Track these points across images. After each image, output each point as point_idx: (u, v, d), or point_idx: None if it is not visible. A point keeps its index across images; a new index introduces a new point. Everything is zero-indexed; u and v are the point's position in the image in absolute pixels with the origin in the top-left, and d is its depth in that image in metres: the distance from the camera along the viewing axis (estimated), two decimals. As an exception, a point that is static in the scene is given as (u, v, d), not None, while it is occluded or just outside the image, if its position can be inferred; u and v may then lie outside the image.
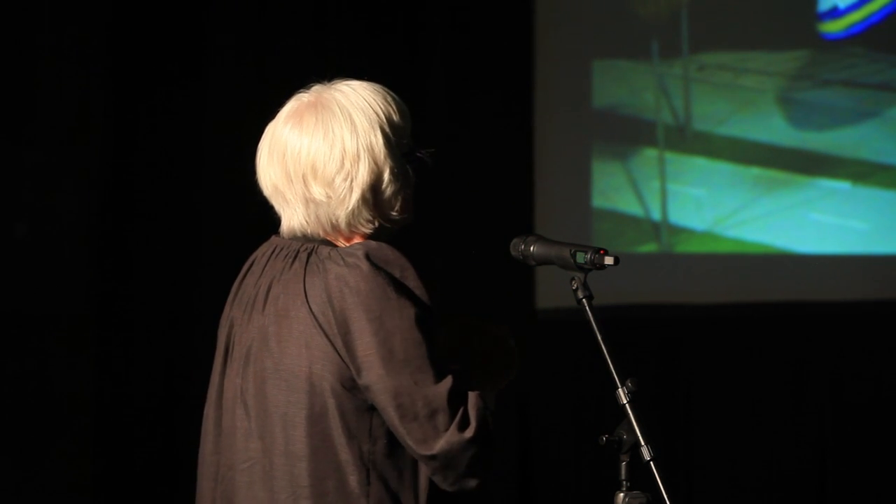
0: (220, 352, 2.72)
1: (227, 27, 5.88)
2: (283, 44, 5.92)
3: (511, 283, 6.30)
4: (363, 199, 2.64)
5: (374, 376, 2.52)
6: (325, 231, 2.66)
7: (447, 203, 6.07)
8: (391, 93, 2.71)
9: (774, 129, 6.94)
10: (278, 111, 2.72)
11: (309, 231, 2.66)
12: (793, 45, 6.95)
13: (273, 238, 2.73)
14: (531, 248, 2.75)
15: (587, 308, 2.64)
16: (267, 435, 2.60)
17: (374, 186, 2.64)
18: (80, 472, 5.58)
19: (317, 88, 2.70)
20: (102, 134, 5.65)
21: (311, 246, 2.64)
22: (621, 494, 2.59)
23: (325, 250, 2.61)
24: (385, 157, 2.64)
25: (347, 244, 2.64)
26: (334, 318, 2.54)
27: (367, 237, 2.66)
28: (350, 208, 2.64)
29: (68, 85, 5.59)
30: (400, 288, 2.55)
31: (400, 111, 2.69)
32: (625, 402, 2.58)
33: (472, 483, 2.56)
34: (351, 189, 2.63)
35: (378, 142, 2.63)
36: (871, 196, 6.94)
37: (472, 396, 2.54)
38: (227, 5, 5.89)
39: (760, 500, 6.85)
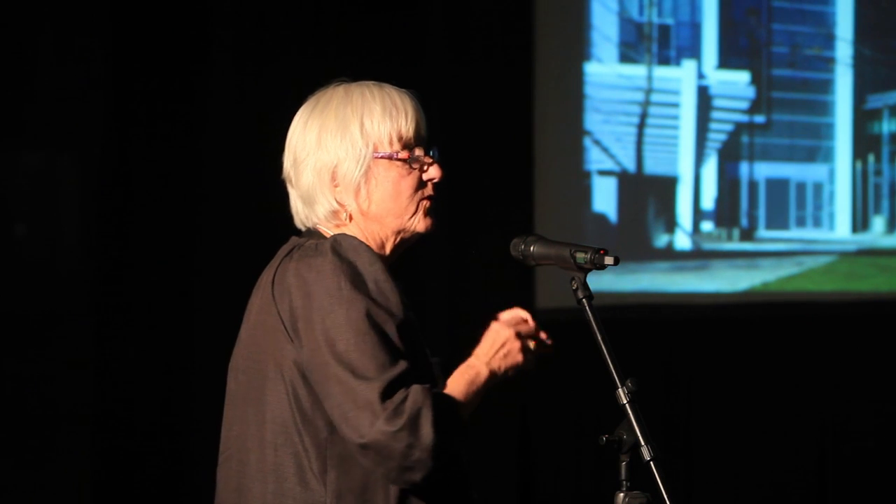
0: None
1: (228, 27, 5.87)
2: (284, 47, 5.92)
3: (511, 283, 6.30)
4: (318, 186, 2.71)
5: (316, 364, 2.56)
6: (302, 213, 2.75)
7: (447, 203, 6.06)
8: (397, 99, 2.76)
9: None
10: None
11: (298, 213, 2.76)
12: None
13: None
14: (531, 248, 2.76)
15: (587, 308, 2.65)
16: (238, 421, 2.68)
17: (332, 177, 2.71)
18: (80, 473, 5.58)
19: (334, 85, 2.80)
20: (102, 134, 5.65)
21: (303, 241, 2.70)
22: (621, 494, 2.59)
23: (308, 242, 2.68)
24: (347, 156, 2.70)
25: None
26: (290, 306, 2.59)
27: (352, 231, 2.71)
28: (305, 189, 2.72)
29: (68, 86, 5.58)
30: (357, 280, 2.57)
31: (391, 117, 2.73)
32: (625, 402, 2.59)
33: (416, 476, 2.51)
34: (306, 172, 2.72)
35: (336, 141, 2.70)
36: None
37: (414, 390, 2.51)
38: (229, 6, 5.89)
39: (760, 500, 6.85)
